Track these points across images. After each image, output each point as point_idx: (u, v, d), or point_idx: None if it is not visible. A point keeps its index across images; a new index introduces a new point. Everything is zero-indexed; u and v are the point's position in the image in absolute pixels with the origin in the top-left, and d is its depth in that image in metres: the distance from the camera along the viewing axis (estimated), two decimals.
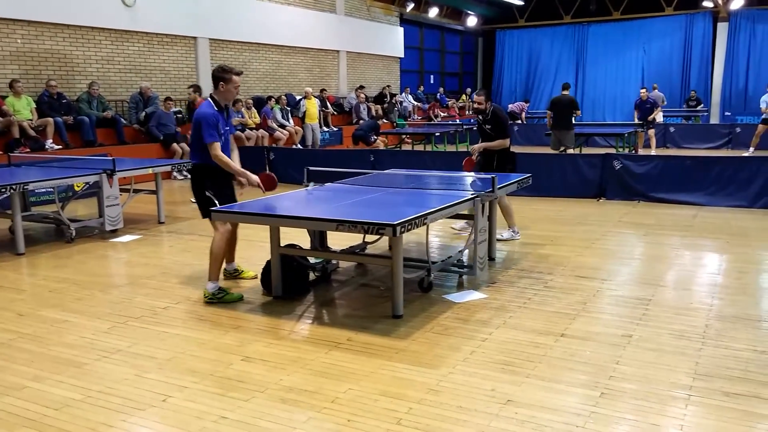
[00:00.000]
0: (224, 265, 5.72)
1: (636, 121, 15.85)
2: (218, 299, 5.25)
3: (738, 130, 17.45)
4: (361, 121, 18.04)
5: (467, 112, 23.86)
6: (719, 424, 3.23)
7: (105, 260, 6.87)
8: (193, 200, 5.66)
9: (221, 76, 5.24)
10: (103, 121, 12.60)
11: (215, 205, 5.24)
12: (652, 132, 15.86)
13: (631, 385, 3.66)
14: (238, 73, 5.31)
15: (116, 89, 13.78)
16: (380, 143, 16.15)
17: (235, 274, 5.95)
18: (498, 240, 7.03)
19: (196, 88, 9.89)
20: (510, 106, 23.56)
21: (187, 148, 13.00)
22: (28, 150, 10.93)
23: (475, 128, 8.40)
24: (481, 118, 7.28)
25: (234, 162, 5.40)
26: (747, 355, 4.05)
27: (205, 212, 5.32)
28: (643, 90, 16.27)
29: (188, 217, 9.11)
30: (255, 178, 5.37)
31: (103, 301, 5.39)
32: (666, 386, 3.64)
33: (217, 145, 5.18)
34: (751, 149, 15.09)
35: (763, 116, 14.87)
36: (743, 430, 3.16)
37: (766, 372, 3.80)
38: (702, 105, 22.91)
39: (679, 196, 9.43)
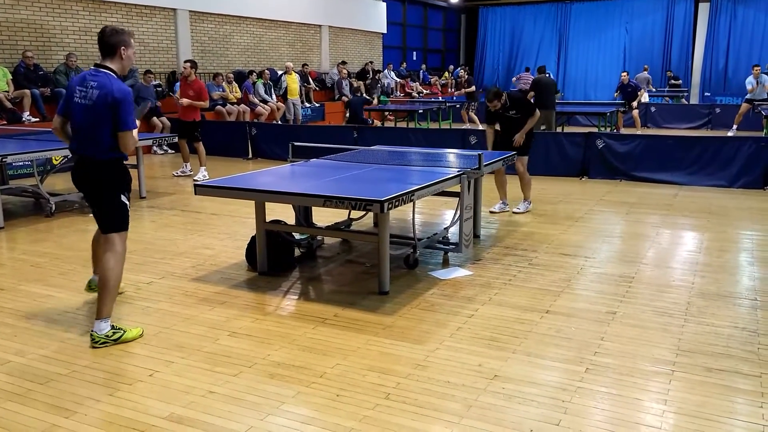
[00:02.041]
0: (91, 276, 4.79)
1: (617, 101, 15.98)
2: (114, 341, 3.98)
3: (717, 110, 17.61)
4: (345, 98, 17.88)
5: (449, 90, 23.77)
6: (702, 398, 3.29)
7: (86, 234, 6.77)
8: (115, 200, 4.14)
9: (121, 39, 4.01)
10: None
11: (128, 213, 4.17)
12: (636, 113, 15.97)
13: (616, 361, 3.71)
14: (133, 36, 4.15)
15: (94, 61, 13.43)
16: (377, 122, 15.97)
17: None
18: (515, 213, 7.43)
19: (193, 64, 9.74)
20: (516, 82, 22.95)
21: (167, 122, 12.84)
22: (5, 122, 10.72)
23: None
24: (501, 110, 7.29)
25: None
26: (728, 332, 4.12)
27: (120, 223, 4.11)
28: (624, 73, 16.33)
29: (169, 192, 9.02)
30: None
31: (86, 276, 5.31)
32: (649, 362, 3.70)
33: (132, 133, 4.02)
34: (735, 127, 15.31)
35: (747, 96, 15.18)
36: (725, 405, 3.23)
37: (747, 348, 3.87)
38: (681, 83, 23.06)
39: (661, 176, 9.52)
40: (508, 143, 7.34)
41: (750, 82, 15.19)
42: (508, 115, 7.30)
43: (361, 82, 19.49)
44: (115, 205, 4.09)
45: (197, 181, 9.90)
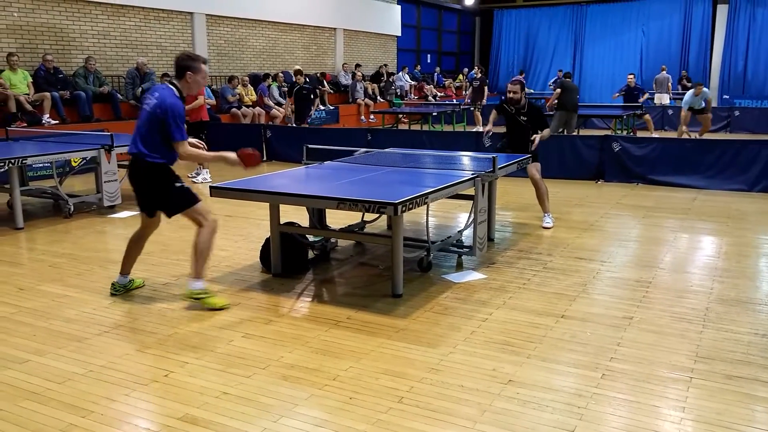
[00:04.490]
0: (117, 277, 4.98)
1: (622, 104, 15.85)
2: (198, 299, 4.60)
3: (737, 113, 17.41)
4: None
5: (464, 92, 23.73)
6: (720, 406, 3.25)
7: (103, 236, 6.85)
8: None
9: (189, 64, 4.53)
10: (99, 97, 12.48)
11: (192, 193, 4.61)
12: (648, 116, 15.84)
13: (632, 367, 3.68)
14: (206, 62, 4.71)
15: (112, 64, 13.64)
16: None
17: (128, 287, 4.99)
18: (545, 228, 7.03)
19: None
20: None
21: None
22: (25, 125, 10.83)
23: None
24: (513, 109, 7.05)
25: (204, 152, 4.79)
26: (748, 339, 4.07)
27: (181, 204, 4.57)
28: (631, 75, 16.20)
29: None
30: (234, 157, 4.65)
31: (103, 277, 5.38)
32: (667, 368, 3.66)
33: (187, 143, 4.51)
34: None
35: None
36: (744, 413, 3.19)
37: (767, 355, 3.82)
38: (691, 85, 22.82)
39: (678, 179, 9.44)
40: (514, 145, 7.16)
41: None
42: (519, 119, 7.08)
43: (374, 84, 19.52)
44: (173, 192, 4.57)
45: (196, 181, 9.97)
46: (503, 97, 7.37)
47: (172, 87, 4.53)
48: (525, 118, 7.07)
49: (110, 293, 4.93)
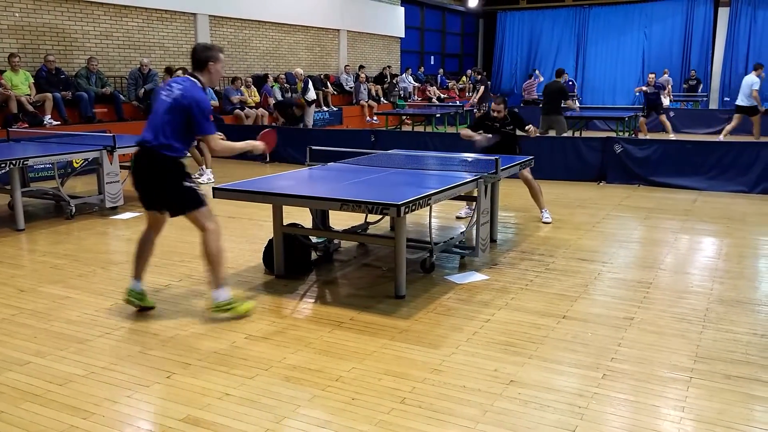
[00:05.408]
0: (131, 283, 4.61)
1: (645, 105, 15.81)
2: (226, 310, 4.44)
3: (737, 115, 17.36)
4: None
5: (467, 94, 23.74)
6: (720, 406, 3.25)
7: (105, 237, 6.86)
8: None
9: (211, 54, 4.38)
10: (101, 98, 12.52)
11: (199, 194, 4.42)
12: (663, 117, 15.78)
13: (633, 367, 3.69)
14: (223, 51, 4.56)
15: (115, 65, 13.67)
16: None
17: (139, 298, 4.59)
18: (545, 223, 7.27)
19: (185, 70, 9.89)
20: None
21: None
22: (27, 125, 10.86)
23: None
24: (498, 124, 7.20)
25: (233, 143, 4.65)
26: (747, 339, 4.07)
27: (188, 204, 4.39)
28: (651, 75, 16.13)
29: None
30: (260, 144, 4.69)
31: (105, 278, 5.39)
32: (667, 368, 3.67)
33: (214, 138, 4.37)
34: None
35: None
36: (744, 412, 3.19)
37: (766, 355, 3.83)
38: (701, 86, 22.81)
39: (680, 181, 9.44)
40: (500, 153, 7.12)
41: None
42: (504, 130, 7.18)
43: (378, 86, 19.53)
44: (182, 190, 4.36)
45: (200, 182, 9.98)
46: (479, 111, 7.50)
47: (194, 80, 4.34)
48: (510, 127, 7.23)
49: (125, 300, 4.58)
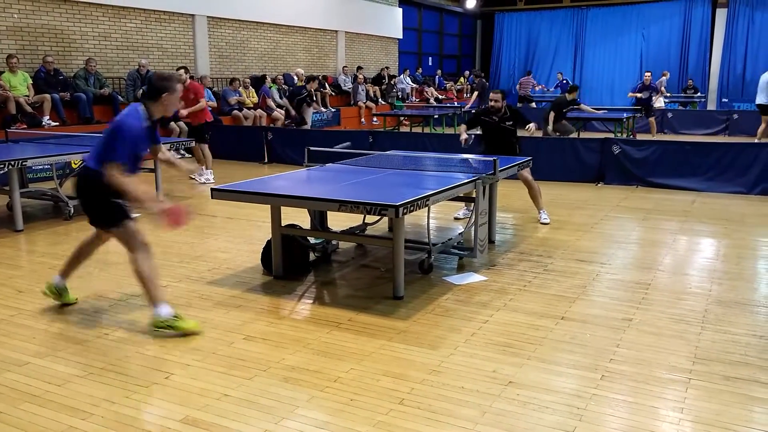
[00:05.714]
0: (54, 277, 4.70)
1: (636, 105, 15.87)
2: (168, 326, 4.21)
3: (735, 116, 17.44)
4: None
5: (465, 95, 23.75)
6: (719, 407, 3.26)
7: None
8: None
9: (167, 85, 4.23)
10: (100, 99, 12.50)
11: (126, 211, 4.28)
12: (652, 119, 15.87)
13: (631, 368, 3.69)
14: (183, 81, 4.50)
15: (113, 66, 13.66)
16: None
17: (58, 293, 4.69)
18: (543, 224, 7.28)
19: (186, 69, 9.89)
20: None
21: (184, 127, 12.94)
22: (25, 126, 10.85)
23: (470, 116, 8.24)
24: (497, 118, 7.16)
25: (134, 184, 4.16)
26: (746, 340, 4.08)
27: (114, 219, 4.26)
28: (648, 74, 16.19)
29: (187, 196, 9.09)
30: (159, 211, 4.17)
31: (103, 279, 5.39)
32: (666, 369, 3.67)
33: (118, 167, 4.05)
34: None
35: None
36: (742, 414, 3.20)
37: (765, 356, 3.83)
38: (699, 93, 22.87)
39: (678, 182, 9.46)
40: (498, 151, 7.12)
41: None
42: (503, 126, 7.17)
43: (376, 87, 19.53)
44: (106, 206, 4.26)
45: (196, 181, 9.99)
46: (477, 108, 7.45)
47: (141, 108, 4.21)
48: (510, 123, 7.20)
49: (43, 292, 4.68)
